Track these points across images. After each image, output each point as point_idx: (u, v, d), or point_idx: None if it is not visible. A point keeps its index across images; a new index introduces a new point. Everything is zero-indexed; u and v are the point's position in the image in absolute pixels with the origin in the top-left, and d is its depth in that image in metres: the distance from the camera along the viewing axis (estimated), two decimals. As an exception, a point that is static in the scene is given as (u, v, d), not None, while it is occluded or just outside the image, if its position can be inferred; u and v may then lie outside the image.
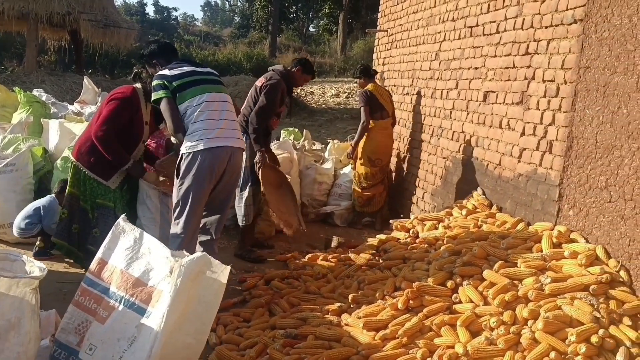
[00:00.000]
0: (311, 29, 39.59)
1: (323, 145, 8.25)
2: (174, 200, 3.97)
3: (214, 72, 4.26)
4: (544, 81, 4.03)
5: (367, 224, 6.51)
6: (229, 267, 2.44)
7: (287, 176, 5.75)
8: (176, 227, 3.92)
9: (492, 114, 4.72)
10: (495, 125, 4.65)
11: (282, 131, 8.32)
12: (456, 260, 3.75)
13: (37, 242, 4.82)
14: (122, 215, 2.59)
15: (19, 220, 4.77)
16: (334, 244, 5.59)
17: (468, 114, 5.15)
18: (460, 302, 3.46)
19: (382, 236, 4.83)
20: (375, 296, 3.79)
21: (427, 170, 6.00)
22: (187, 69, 4.04)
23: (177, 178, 3.94)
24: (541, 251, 3.57)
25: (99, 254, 2.51)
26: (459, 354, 3.01)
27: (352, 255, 4.72)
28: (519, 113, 4.32)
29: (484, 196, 4.73)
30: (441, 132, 5.71)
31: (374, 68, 7.07)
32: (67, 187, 4.23)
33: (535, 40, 4.18)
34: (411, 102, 6.58)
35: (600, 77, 3.45)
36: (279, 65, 5.81)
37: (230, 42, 34.96)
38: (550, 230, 3.72)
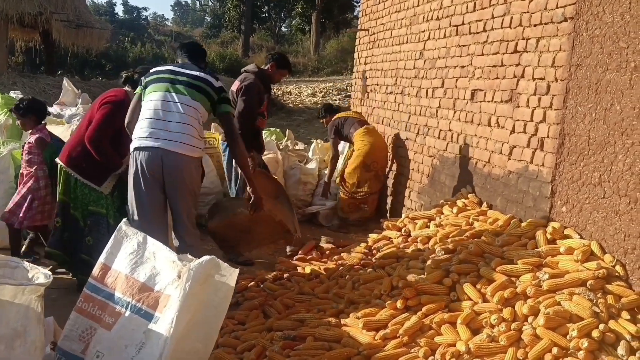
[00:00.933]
0: (284, 29, 39.53)
1: (305, 145, 8.23)
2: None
3: (200, 75, 3.90)
4: (533, 79, 4.06)
5: (354, 223, 6.49)
6: (237, 270, 2.41)
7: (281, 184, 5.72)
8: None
9: (480, 112, 4.75)
10: (484, 123, 4.68)
11: (263, 131, 8.26)
12: (452, 258, 3.76)
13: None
14: (124, 220, 2.53)
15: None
16: (322, 244, 5.57)
17: (455, 112, 5.18)
18: (458, 300, 3.47)
19: (374, 235, 4.83)
20: (372, 296, 3.78)
21: (413, 169, 6.02)
22: (165, 67, 3.93)
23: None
24: (536, 248, 3.60)
25: (101, 259, 2.44)
26: (461, 352, 3.01)
27: (344, 255, 4.71)
28: (508, 111, 4.35)
29: (473, 194, 4.76)
30: (427, 131, 5.73)
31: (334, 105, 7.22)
32: (58, 195, 4.13)
33: (524, 39, 4.21)
34: (395, 101, 6.59)
35: (592, 74, 3.49)
36: (251, 65, 5.71)
37: (202, 42, 34.68)
38: (543, 227, 3.75)
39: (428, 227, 4.55)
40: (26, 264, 2.26)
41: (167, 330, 2.19)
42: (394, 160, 6.55)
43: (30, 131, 4.78)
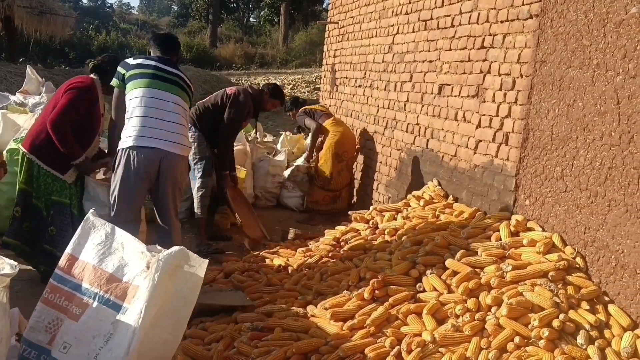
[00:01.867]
0: (252, 20, 39.24)
1: (274, 137, 8.22)
2: (111, 197, 3.90)
3: (180, 75, 4.01)
4: (499, 74, 4.15)
5: (323, 214, 6.53)
6: (206, 261, 2.41)
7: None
8: (112, 218, 3.75)
9: (447, 106, 4.83)
10: (451, 118, 4.75)
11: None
12: (419, 250, 3.82)
13: None
14: (92, 210, 2.50)
15: None
16: (290, 236, 5.59)
17: (423, 106, 5.24)
18: (424, 290, 3.52)
19: (342, 227, 4.86)
20: (340, 287, 3.82)
21: (381, 162, 6.07)
22: (149, 62, 3.93)
23: (113, 171, 3.89)
24: (500, 240, 3.69)
25: (68, 250, 2.41)
26: (427, 341, 3.07)
27: (312, 247, 4.73)
28: (474, 106, 4.43)
29: (439, 187, 4.84)
30: (395, 124, 5.79)
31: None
32: (18, 184, 4.03)
33: (490, 35, 4.29)
34: (364, 95, 6.64)
35: (556, 71, 3.58)
36: (253, 87, 5.76)
37: (169, 32, 34.20)
38: (507, 220, 3.84)
39: (395, 219, 4.60)
40: (-10, 254, 2.22)
41: (135, 321, 2.18)
42: (362, 153, 6.60)
43: None
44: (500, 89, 4.13)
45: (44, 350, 2.28)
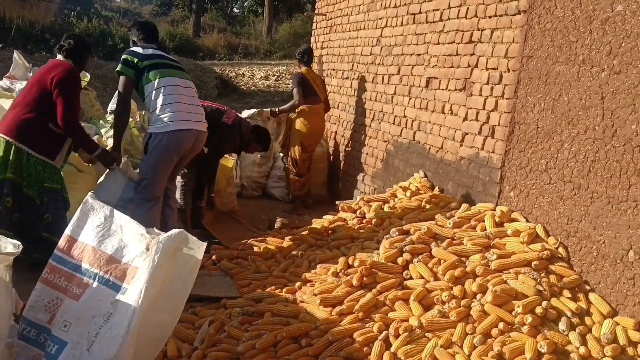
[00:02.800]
0: (236, 10, 38.96)
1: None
2: (142, 173, 4.33)
3: (178, 61, 4.55)
4: (487, 69, 4.24)
5: (307, 205, 6.60)
6: (204, 244, 2.46)
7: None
8: (141, 196, 4.28)
9: (434, 99, 4.91)
10: (438, 111, 4.84)
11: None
12: (405, 239, 3.90)
13: None
14: (90, 193, 2.53)
15: None
16: (277, 225, 5.65)
17: (410, 99, 5.32)
18: (411, 278, 3.61)
19: (329, 217, 4.93)
20: (328, 274, 3.89)
21: (367, 154, 6.15)
22: (159, 53, 4.38)
23: (146, 153, 4.32)
24: (485, 230, 3.79)
25: (67, 232, 2.44)
26: (414, 327, 3.16)
27: (299, 235, 4.79)
28: (461, 99, 4.52)
29: (425, 178, 4.93)
30: (382, 117, 5.86)
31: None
32: (6, 174, 3.98)
33: (479, 29, 4.37)
34: (351, 87, 6.70)
35: (543, 66, 3.68)
36: (249, 122, 5.70)
37: (152, 20, 33.87)
38: (492, 211, 3.94)
39: (382, 209, 4.68)
40: (-8, 233, 2.25)
41: (135, 301, 2.23)
42: (349, 146, 6.67)
43: None
44: (488, 83, 4.22)
45: (43, 329, 2.32)
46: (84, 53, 4.25)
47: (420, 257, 3.71)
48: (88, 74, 7.36)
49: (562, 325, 3.03)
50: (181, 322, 3.49)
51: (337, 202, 5.19)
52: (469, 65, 4.47)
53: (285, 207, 6.59)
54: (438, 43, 4.94)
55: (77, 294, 2.31)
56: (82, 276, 2.34)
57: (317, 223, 4.94)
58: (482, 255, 3.54)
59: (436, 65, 4.93)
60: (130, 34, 4.65)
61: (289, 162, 6.57)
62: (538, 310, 3.08)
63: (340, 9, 7.26)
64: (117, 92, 4.37)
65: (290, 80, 6.85)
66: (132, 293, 2.25)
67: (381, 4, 6.09)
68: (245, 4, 35.20)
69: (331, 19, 7.56)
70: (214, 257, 4.61)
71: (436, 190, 4.73)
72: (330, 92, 7.36)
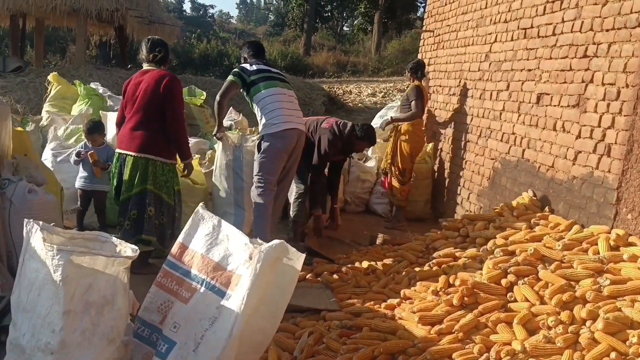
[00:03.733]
0: (345, 28, 39.65)
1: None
2: (255, 171, 4.96)
3: (282, 74, 5.26)
4: (603, 84, 4.03)
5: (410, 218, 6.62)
6: (303, 255, 2.54)
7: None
8: (255, 191, 4.94)
9: (545, 116, 4.74)
10: (549, 128, 4.66)
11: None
12: (510, 260, 3.78)
13: None
14: (201, 204, 2.71)
15: None
16: (379, 241, 5.66)
17: (519, 115, 5.17)
18: (515, 300, 3.49)
19: (432, 234, 4.88)
20: (428, 292, 3.85)
21: (473, 171, 6.02)
22: (265, 68, 5.02)
23: (258, 153, 4.94)
24: (598, 253, 3.59)
25: (179, 239, 2.63)
26: (517, 351, 3.04)
27: (401, 252, 4.78)
28: (575, 116, 4.32)
29: (535, 198, 4.75)
30: (490, 133, 5.73)
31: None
32: (142, 186, 4.35)
33: (594, 43, 4.18)
34: (458, 103, 6.61)
35: (665, 81, 3.45)
36: (349, 124, 5.76)
37: (265, 40, 35.26)
38: (607, 234, 3.73)
39: (487, 228, 4.57)
40: (114, 239, 2.46)
41: (238, 307, 2.34)
42: (454, 162, 6.57)
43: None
44: (604, 99, 4.01)
45: (155, 329, 2.50)
46: (169, 55, 4.60)
47: (525, 279, 3.58)
48: (204, 93, 7.82)
49: (683, 360, 2.80)
50: (282, 331, 3.61)
51: (440, 220, 5.12)
52: (583, 81, 4.27)
53: (387, 223, 6.58)
54: (550, 58, 4.77)
55: (186, 297, 2.47)
56: (191, 281, 2.50)
57: (419, 240, 4.90)
58: (593, 280, 3.35)
59: (548, 80, 4.76)
60: (241, 52, 5.30)
61: (395, 172, 6.55)
62: (656, 341, 2.86)
63: (448, 25, 7.20)
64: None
65: (404, 94, 6.83)
66: (235, 299, 2.37)
67: (490, 19, 5.98)
68: (355, 22, 35.70)
69: (439, 35, 7.52)
70: (315, 270, 4.71)
71: (546, 211, 4.54)
72: (436, 108, 7.30)
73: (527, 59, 5.14)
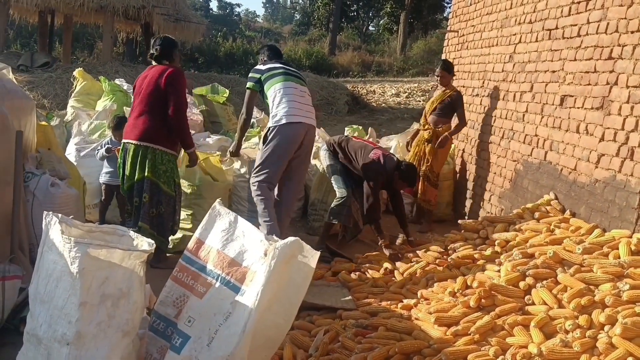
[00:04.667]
0: (371, 28, 39.53)
1: (387, 145, 8.28)
2: (256, 162, 4.93)
3: (297, 71, 5.23)
4: (627, 87, 3.97)
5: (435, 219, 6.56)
6: (318, 253, 2.55)
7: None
8: (255, 179, 4.88)
9: (569, 118, 4.68)
10: (572, 130, 4.60)
11: (346, 128, 8.43)
12: (529, 263, 3.75)
13: None
14: (218, 200, 2.73)
15: None
16: (398, 241, 5.65)
17: (542, 117, 5.11)
18: (533, 303, 3.46)
19: (451, 235, 4.86)
20: (445, 293, 3.84)
21: (495, 173, 5.97)
22: (277, 65, 5.04)
23: (263, 144, 4.92)
24: (619, 258, 3.54)
25: (196, 234, 2.66)
26: (533, 354, 3.01)
27: (419, 253, 4.77)
28: (598, 118, 4.26)
29: (556, 201, 4.69)
30: (512, 135, 5.67)
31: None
32: (141, 174, 4.43)
33: (619, 45, 4.11)
34: (481, 104, 6.56)
35: (691, 84, 3.38)
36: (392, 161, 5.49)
37: (291, 39, 35.37)
38: (628, 238, 3.67)
39: (507, 230, 4.53)
40: (132, 232, 2.50)
41: (252, 302, 2.36)
42: (476, 164, 6.52)
43: None
44: (628, 102, 3.95)
45: (171, 323, 2.53)
46: (171, 50, 4.64)
47: (544, 282, 3.55)
48: (227, 90, 7.88)
49: (703, 368, 2.75)
50: (298, 329, 3.64)
51: (459, 222, 5.09)
52: (607, 83, 4.21)
53: (419, 227, 6.47)
54: (575, 59, 4.71)
55: (202, 292, 2.50)
56: (206, 276, 2.53)
57: (438, 241, 4.88)
58: (613, 285, 3.30)
59: (572, 82, 4.70)
60: (259, 55, 5.40)
61: (431, 177, 6.43)
62: (675, 348, 2.82)
63: (472, 26, 7.14)
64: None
65: (436, 95, 6.70)
66: (249, 295, 2.39)
67: (515, 20, 5.92)
68: (381, 22, 35.58)
69: (463, 35, 7.46)
70: (333, 268, 4.73)
71: (567, 214, 4.48)
72: (459, 109, 7.25)
73: (552, 60, 5.07)
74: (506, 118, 5.85)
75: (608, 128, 4.13)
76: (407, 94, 17.15)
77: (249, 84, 5.03)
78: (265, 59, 5.19)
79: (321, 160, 5.79)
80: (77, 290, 2.17)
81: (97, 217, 5.28)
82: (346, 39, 34.80)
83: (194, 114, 7.44)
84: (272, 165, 4.83)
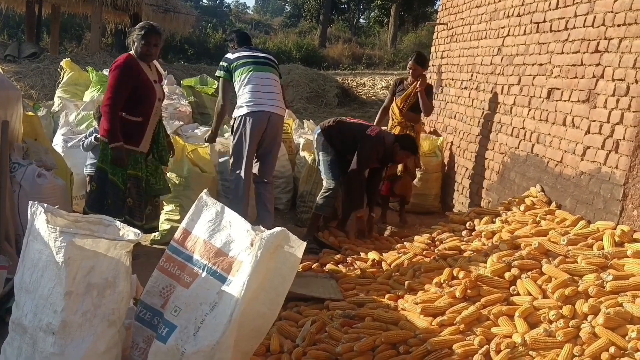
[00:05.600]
0: (362, 21, 39.46)
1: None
2: (230, 153, 5.15)
3: (269, 57, 5.33)
4: (613, 80, 4.00)
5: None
6: (304, 243, 2.57)
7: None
8: (234, 174, 5.10)
9: (555, 111, 4.71)
10: (559, 123, 4.64)
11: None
12: (515, 254, 3.79)
13: None
14: (205, 190, 2.74)
15: None
16: (386, 233, 5.68)
17: (530, 110, 5.14)
18: (518, 294, 3.50)
19: (438, 227, 4.89)
20: (432, 284, 3.86)
21: (482, 165, 6.01)
22: (245, 54, 5.15)
23: (232, 136, 5.14)
24: (603, 249, 3.58)
25: (183, 225, 2.66)
26: (517, 343, 3.05)
27: (407, 244, 4.80)
28: (584, 111, 4.30)
29: (542, 193, 4.73)
30: (500, 128, 5.71)
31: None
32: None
33: (606, 39, 4.15)
34: (469, 97, 6.58)
35: (675, 77, 3.42)
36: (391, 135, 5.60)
37: (281, 31, 35.20)
38: (612, 229, 3.71)
39: (493, 222, 4.57)
40: (118, 223, 2.51)
41: (238, 292, 2.37)
42: (463, 156, 6.56)
43: None
44: (613, 95, 3.99)
45: (157, 312, 2.54)
46: (129, 39, 4.54)
47: (529, 273, 3.58)
48: (216, 82, 7.83)
49: (682, 357, 2.79)
50: (286, 319, 3.66)
51: (446, 213, 5.12)
52: (594, 76, 4.24)
53: (394, 216, 6.50)
54: (562, 53, 4.74)
55: (188, 282, 2.51)
56: (193, 266, 2.53)
57: (425, 233, 4.91)
58: (597, 276, 3.35)
59: (559, 75, 4.73)
60: (228, 42, 5.64)
61: (414, 171, 6.38)
62: (656, 337, 2.86)
63: (462, 18, 7.16)
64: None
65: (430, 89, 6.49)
66: (236, 285, 2.40)
67: (504, 13, 5.94)
68: (372, 14, 35.52)
69: (452, 28, 7.48)
70: (321, 260, 4.74)
71: (553, 206, 4.52)
72: (447, 102, 7.28)
73: (539, 54, 5.10)
74: (494, 111, 5.88)
75: (594, 121, 4.17)
76: (397, 86, 17.14)
77: (218, 73, 5.22)
78: (235, 45, 5.31)
79: (314, 145, 5.66)
80: (62, 280, 2.17)
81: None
82: (337, 31, 34.70)
83: (183, 105, 7.42)
84: (239, 154, 5.06)
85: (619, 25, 4.02)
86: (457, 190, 6.64)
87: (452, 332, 3.28)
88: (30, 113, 4.56)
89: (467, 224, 4.73)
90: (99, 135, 5.10)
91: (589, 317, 3.09)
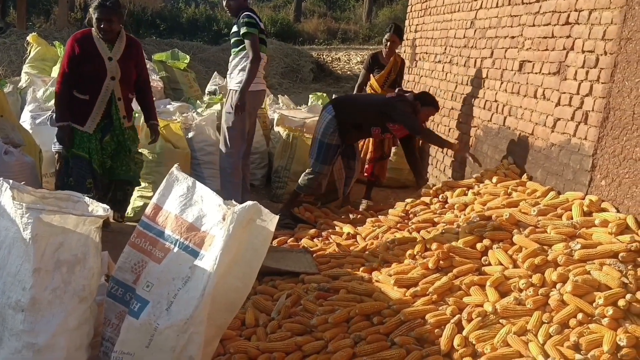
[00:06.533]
0: (337, -5, 39.02)
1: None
2: (229, 127, 5.18)
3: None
4: (583, 52, 4.04)
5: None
6: (277, 217, 2.56)
7: None
8: (230, 151, 5.22)
9: (527, 83, 4.75)
10: (530, 95, 4.67)
11: (310, 96, 8.42)
12: (486, 225, 3.84)
13: None
14: (176, 165, 2.71)
15: None
16: (362, 207, 5.72)
17: (502, 83, 5.17)
18: (489, 264, 3.56)
19: (411, 200, 4.92)
20: (406, 256, 3.91)
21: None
22: (261, 25, 5.18)
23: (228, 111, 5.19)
24: (571, 219, 3.65)
25: (154, 200, 2.64)
26: (488, 312, 3.12)
27: (381, 217, 4.83)
28: (555, 83, 4.34)
29: (514, 165, 4.79)
30: (473, 101, 5.74)
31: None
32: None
33: (576, 10, 4.17)
34: (443, 71, 6.59)
35: (642, 48, 3.46)
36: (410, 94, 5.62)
37: (255, 5, 34.67)
38: (581, 200, 3.78)
39: (466, 194, 4.62)
40: (87, 199, 2.47)
41: (210, 267, 2.37)
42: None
43: None
44: (583, 67, 4.02)
45: (129, 288, 2.53)
46: (88, 14, 4.51)
47: (500, 243, 3.64)
48: (188, 56, 7.73)
49: (646, 321, 2.88)
50: (261, 293, 3.68)
51: (420, 186, 5.16)
52: (564, 48, 4.27)
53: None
54: (533, 25, 4.75)
55: (160, 257, 2.50)
56: (164, 241, 2.52)
57: (398, 206, 4.94)
58: (565, 245, 3.41)
59: (530, 48, 4.75)
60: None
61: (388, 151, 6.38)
62: (621, 303, 2.92)
63: (435, -9, 7.13)
64: (250, 49, 5.03)
65: (401, 69, 6.60)
66: (208, 259, 2.40)
67: (477, -15, 5.93)
68: (347, -12, 35.14)
69: (426, 1, 7.45)
70: (297, 234, 4.76)
71: (524, 178, 4.58)
72: (422, 75, 7.29)
73: (511, 26, 5.12)
74: (467, 84, 5.90)
75: (564, 93, 4.21)
76: (372, 61, 17.09)
77: (251, 29, 5.04)
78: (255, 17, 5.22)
79: (319, 123, 5.45)
80: (30, 257, 2.14)
81: (54, 185, 5.16)
82: (311, 5, 34.28)
83: (154, 81, 7.29)
84: (243, 131, 5.24)
85: (589, -3, 4.04)
86: (432, 164, 6.68)
87: (425, 302, 3.33)
88: (-5, 89, 4.44)
89: (440, 197, 4.77)
90: None
91: (558, 285, 3.15)
